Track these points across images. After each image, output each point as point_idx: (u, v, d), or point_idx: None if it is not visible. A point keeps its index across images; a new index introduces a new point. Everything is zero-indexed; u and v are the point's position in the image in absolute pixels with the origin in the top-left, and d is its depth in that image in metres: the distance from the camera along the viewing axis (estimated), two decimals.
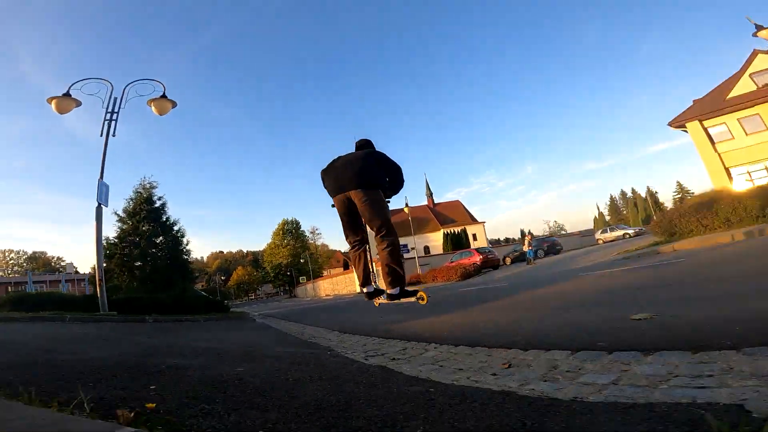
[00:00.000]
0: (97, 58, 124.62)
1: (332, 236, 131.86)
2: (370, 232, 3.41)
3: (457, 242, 54.29)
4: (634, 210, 78.37)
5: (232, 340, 5.06)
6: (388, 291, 3.35)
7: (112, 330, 6.03)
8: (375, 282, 3.67)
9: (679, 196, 68.93)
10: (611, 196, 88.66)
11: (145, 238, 12.24)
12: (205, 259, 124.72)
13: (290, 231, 64.34)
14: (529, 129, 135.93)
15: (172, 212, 13.21)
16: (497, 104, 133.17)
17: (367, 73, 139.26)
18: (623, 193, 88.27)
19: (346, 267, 60.98)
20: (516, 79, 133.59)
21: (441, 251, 49.85)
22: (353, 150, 3.78)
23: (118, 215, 12.87)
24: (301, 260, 54.21)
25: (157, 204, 13.54)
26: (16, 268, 78.09)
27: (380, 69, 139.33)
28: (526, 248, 21.21)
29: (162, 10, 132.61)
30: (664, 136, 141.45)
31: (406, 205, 25.07)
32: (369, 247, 3.61)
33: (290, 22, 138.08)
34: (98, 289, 9.08)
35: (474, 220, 67.28)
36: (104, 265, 12.26)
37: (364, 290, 3.57)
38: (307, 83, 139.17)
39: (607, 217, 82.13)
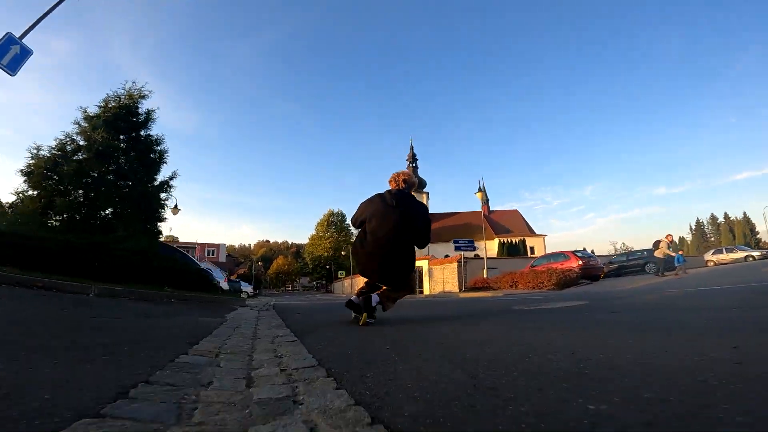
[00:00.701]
0: (181, 46, 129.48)
1: None
2: None
3: (513, 252, 47.17)
4: (729, 235, 66.62)
5: None
6: (374, 294, 3.23)
7: None
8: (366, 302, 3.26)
9: None
10: (698, 220, 76.74)
11: (94, 152, 7.28)
12: (252, 246, 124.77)
13: (335, 223, 59.82)
14: (595, 149, 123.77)
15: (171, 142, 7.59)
16: (564, 122, 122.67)
17: (429, 75, 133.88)
18: (713, 218, 76.15)
19: None
20: (584, 96, 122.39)
21: None
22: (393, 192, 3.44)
23: (80, 124, 8.06)
24: (342, 253, 49.20)
25: (142, 118, 8.72)
26: None
27: (445, 74, 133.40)
28: (662, 253, 14.41)
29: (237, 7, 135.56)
30: (748, 164, 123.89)
31: (480, 190, 19.08)
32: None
33: (357, 21, 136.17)
34: None
35: (532, 232, 59.52)
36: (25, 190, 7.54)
37: (372, 295, 3.22)
38: (371, 80, 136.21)
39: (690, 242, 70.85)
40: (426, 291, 24.10)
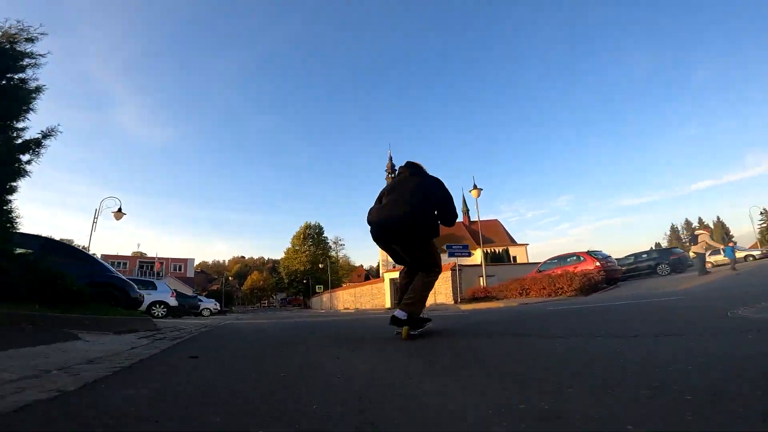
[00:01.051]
0: (159, 58, 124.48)
1: (356, 250, 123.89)
2: None
3: (497, 262, 45.16)
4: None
5: None
6: (397, 310, 2.89)
7: None
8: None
9: (766, 225, 57.70)
10: (672, 226, 77.78)
11: None
12: (226, 262, 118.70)
13: (311, 236, 56.21)
14: (568, 161, 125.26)
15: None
16: (537, 134, 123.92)
17: (409, 89, 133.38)
18: (688, 223, 77.33)
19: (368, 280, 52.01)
20: (553, 106, 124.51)
21: None
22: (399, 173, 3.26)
23: None
24: (320, 265, 45.65)
25: (23, 61, 5.69)
26: None
27: (422, 87, 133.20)
28: (703, 248, 12.18)
29: (219, 19, 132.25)
30: (709, 173, 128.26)
31: (475, 186, 16.57)
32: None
33: (334, 33, 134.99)
34: None
35: (514, 242, 57.84)
36: None
37: (395, 314, 2.90)
38: (346, 93, 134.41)
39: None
40: None
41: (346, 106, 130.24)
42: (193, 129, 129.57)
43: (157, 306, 12.33)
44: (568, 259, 14.49)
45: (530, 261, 54.32)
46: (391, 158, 63.85)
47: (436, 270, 3.04)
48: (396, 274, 24.36)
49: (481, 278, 17.15)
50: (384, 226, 2.97)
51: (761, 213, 56.12)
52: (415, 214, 2.87)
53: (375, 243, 3.12)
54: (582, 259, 13.75)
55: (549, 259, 15.40)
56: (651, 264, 17.36)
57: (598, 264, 13.17)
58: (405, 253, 3.02)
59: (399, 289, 3.24)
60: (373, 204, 3.23)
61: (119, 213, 18.15)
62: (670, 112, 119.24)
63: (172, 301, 12.60)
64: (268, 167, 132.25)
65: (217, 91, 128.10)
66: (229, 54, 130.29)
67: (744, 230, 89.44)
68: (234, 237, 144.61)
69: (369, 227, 3.13)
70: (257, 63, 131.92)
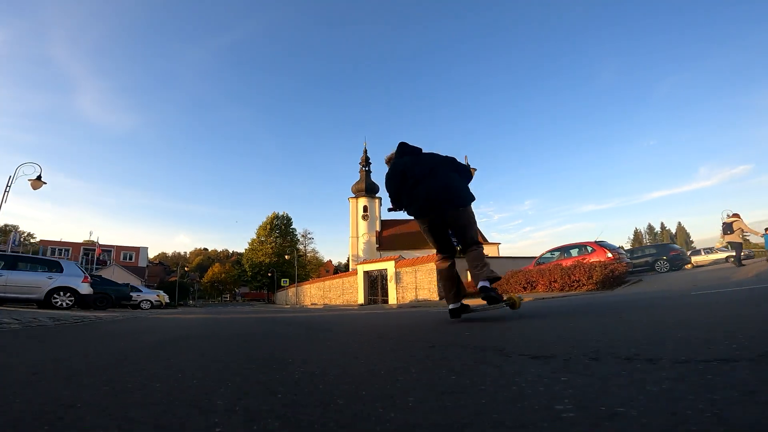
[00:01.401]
0: (123, 46, 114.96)
1: (325, 245, 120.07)
2: None
3: None
4: (670, 243, 70.13)
5: None
6: (480, 283, 2.66)
7: None
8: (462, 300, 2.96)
9: None
10: (636, 230, 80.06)
11: None
12: (187, 254, 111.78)
13: (279, 227, 52.51)
14: (535, 165, 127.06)
15: None
16: (505, 139, 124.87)
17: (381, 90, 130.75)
18: (650, 228, 79.86)
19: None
20: (520, 112, 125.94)
21: None
22: (395, 155, 3.23)
23: None
24: (287, 257, 42.23)
25: None
26: None
27: (393, 88, 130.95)
28: (740, 236, 10.52)
29: (186, 8, 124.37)
30: (662, 183, 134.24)
31: (468, 165, 14.29)
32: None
33: (306, 26, 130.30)
34: None
35: (486, 241, 56.93)
36: None
37: (451, 307, 2.94)
38: (322, 84, 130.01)
39: None
40: (392, 300, 18.77)
41: (316, 99, 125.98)
42: (158, 117, 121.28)
43: (61, 294, 9.20)
44: (572, 251, 12.55)
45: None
46: (366, 151, 61.24)
47: (479, 242, 2.90)
48: (370, 267, 21.92)
49: (468, 271, 15.05)
50: (432, 198, 2.84)
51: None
52: (452, 178, 2.93)
53: (420, 220, 2.98)
54: (591, 249, 11.80)
55: (549, 251, 13.41)
56: (649, 260, 15.90)
57: (609, 255, 11.26)
58: (456, 220, 2.86)
59: (444, 279, 3.06)
60: (388, 187, 3.20)
61: (37, 182, 14.83)
62: (635, 122, 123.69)
63: (84, 288, 9.49)
64: (237, 159, 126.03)
65: (185, 80, 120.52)
66: (199, 42, 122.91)
67: (708, 235, 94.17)
68: (198, 229, 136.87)
69: (400, 206, 3.17)
70: (227, 52, 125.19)
